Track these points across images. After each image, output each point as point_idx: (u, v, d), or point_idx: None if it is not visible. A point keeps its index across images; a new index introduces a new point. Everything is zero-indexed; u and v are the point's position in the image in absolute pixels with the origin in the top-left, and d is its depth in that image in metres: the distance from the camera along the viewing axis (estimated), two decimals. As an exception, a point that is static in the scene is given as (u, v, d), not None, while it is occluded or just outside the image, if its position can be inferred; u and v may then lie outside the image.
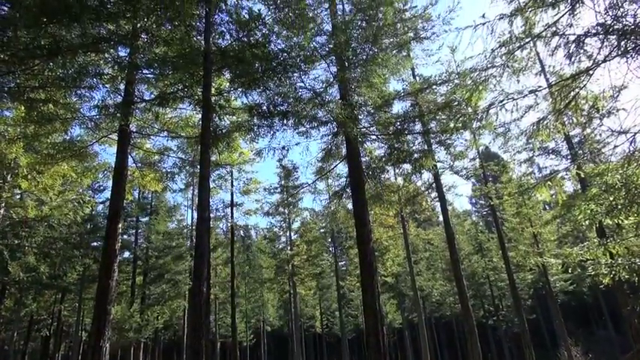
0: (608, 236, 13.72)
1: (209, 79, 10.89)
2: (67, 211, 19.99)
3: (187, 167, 17.58)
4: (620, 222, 9.70)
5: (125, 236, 31.09)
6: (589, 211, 9.73)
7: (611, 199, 9.14)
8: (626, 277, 10.82)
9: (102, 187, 30.59)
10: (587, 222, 10.15)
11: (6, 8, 9.30)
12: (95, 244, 28.39)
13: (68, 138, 13.64)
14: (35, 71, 10.48)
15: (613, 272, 10.73)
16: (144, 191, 32.16)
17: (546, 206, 35.61)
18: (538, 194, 8.97)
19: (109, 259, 11.16)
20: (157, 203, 34.24)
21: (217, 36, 11.82)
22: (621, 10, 5.73)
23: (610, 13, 5.77)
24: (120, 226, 11.85)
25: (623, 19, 5.70)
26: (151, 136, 15.32)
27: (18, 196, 20.60)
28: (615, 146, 7.19)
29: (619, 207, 9.06)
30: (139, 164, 16.24)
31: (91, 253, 26.93)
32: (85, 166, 14.73)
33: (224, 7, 11.59)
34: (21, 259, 21.10)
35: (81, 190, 22.73)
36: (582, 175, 12.98)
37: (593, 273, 11.30)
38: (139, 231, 32.75)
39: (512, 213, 29.60)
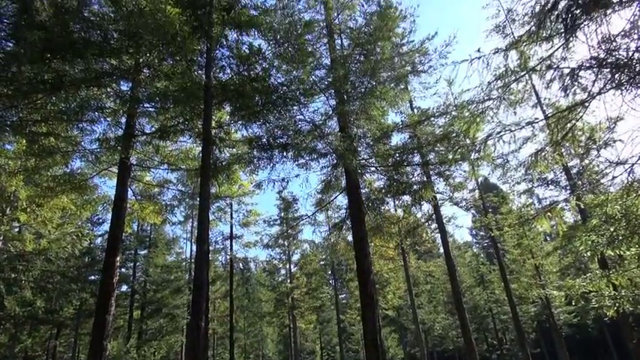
0: (610, 267, 13.61)
1: (210, 112, 11.01)
2: (66, 245, 19.86)
3: (187, 199, 17.58)
4: (621, 253, 9.63)
5: (123, 269, 30.79)
6: (590, 242, 9.68)
7: (612, 229, 9.11)
8: (631, 309, 10.68)
9: (101, 220, 30.49)
10: (588, 253, 10.08)
11: (11, 44, 9.49)
12: (93, 277, 28.11)
13: (68, 171, 13.68)
14: (38, 105, 10.60)
15: (617, 304, 10.59)
16: (143, 224, 32.02)
17: (547, 237, 35.43)
18: (538, 225, 8.94)
19: (107, 293, 11.01)
20: (155, 236, 34.05)
21: (218, 70, 12.02)
22: (614, 44, 5.85)
23: (603, 46, 5.89)
24: (118, 259, 11.75)
25: (616, 53, 5.82)
26: (151, 169, 15.38)
27: (16, 229, 20.49)
28: (614, 177, 7.21)
29: (620, 238, 9.02)
30: (139, 197, 16.24)
31: (88, 287, 26.62)
32: (84, 198, 14.71)
33: (225, 43, 11.83)
34: (17, 294, 20.81)
35: (80, 223, 22.65)
36: (582, 206, 12.97)
37: (597, 305, 11.16)
38: (138, 264, 32.45)
39: (513, 244, 29.41)
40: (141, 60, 11.20)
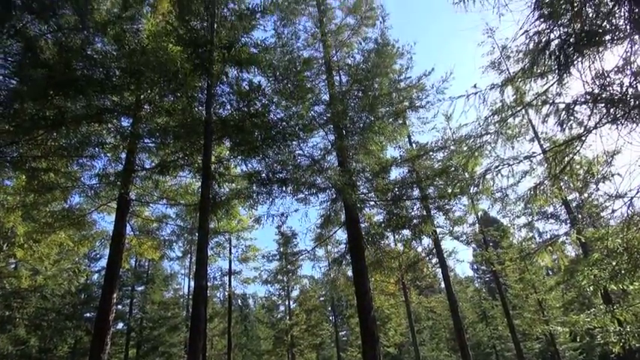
0: (614, 302, 13.41)
1: (209, 147, 11.08)
2: (62, 281, 19.63)
3: (185, 235, 17.48)
4: (625, 287, 9.51)
5: (119, 306, 30.27)
6: (592, 277, 9.58)
7: (614, 264, 9.02)
8: (637, 345, 10.46)
9: (98, 256, 30.18)
10: (591, 288, 9.95)
11: (14, 82, 9.64)
12: (88, 314, 27.61)
13: (67, 206, 13.65)
14: (38, 141, 10.68)
15: (623, 340, 10.38)
16: (141, 259, 31.71)
17: (549, 272, 35.07)
18: (540, 260, 8.85)
19: (102, 331, 10.80)
20: (153, 271, 33.67)
21: (218, 106, 12.17)
22: (607, 79, 5.95)
23: (597, 82, 5.99)
24: (115, 295, 11.58)
25: (610, 88, 5.91)
26: (150, 204, 15.35)
27: (12, 266, 20.27)
28: (613, 210, 7.20)
29: (622, 272, 8.92)
30: (137, 232, 16.15)
31: (83, 324, 26.12)
32: (82, 234, 14.63)
33: (225, 79, 12.02)
34: (11, 332, 20.40)
35: (77, 259, 22.43)
36: (583, 240, 12.88)
37: (602, 341, 10.93)
38: (134, 300, 31.94)
39: (515, 279, 29.08)
40: (142, 96, 11.37)
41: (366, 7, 14.80)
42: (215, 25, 11.81)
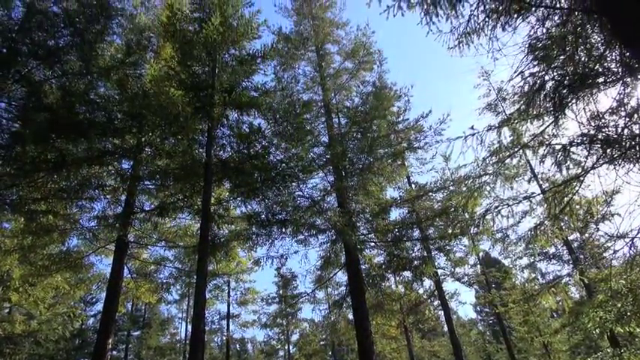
0: (622, 345, 13.08)
1: (209, 189, 11.10)
2: (56, 326, 19.20)
3: (183, 277, 17.25)
4: (631, 330, 9.30)
5: (114, 352, 29.50)
6: (598, 319, 9.37)
7: (619, 305, 8.86)
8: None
9: (94, 299, 29.69)
10: (597, 330, 9.72)
11: (17, 125, 9.77)
12: (82, 361, 26.86)
13: (64, 249, 13.53)
14: (38, 183, 10.71)
15: (633, 386, 10.07)
16: (137, 303, 31.14)
17: (554, 314, 34.39)
18: (543, 301, 8.70)
19: (96, 379, 10.48)
20: (150, 315, 32.99)
21: (219, 148, 12.28)
22: (602, 120, 6.04)
23: (592, 123, 6.07)
24: (110, 341, 11.30)
25: (606, 129, 5.98)
26: (149, 246, 15.23)
27: (7, 310, 19.89)
28: (615, 251, 7.14)
29: (628, 314, 8.75)
30: (135, 275, 15.94)
31: (77, 371, 25.36)
32: (79, 277, 14.44)
33: (226, 122, 12.18)
34: (2, 380, 19.76)
35: (72, 303, 22.02)
36: (586, 281, 12.71)
37: (611, 387, 10.60)
38: (130, 346, 31.14)
39: (519, 321, 28.44)
40: (143, 139, 11.48)
41: (363, 52, 15.18)
42: (216, 70, 12.08)
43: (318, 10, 16.28)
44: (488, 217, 7.37)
